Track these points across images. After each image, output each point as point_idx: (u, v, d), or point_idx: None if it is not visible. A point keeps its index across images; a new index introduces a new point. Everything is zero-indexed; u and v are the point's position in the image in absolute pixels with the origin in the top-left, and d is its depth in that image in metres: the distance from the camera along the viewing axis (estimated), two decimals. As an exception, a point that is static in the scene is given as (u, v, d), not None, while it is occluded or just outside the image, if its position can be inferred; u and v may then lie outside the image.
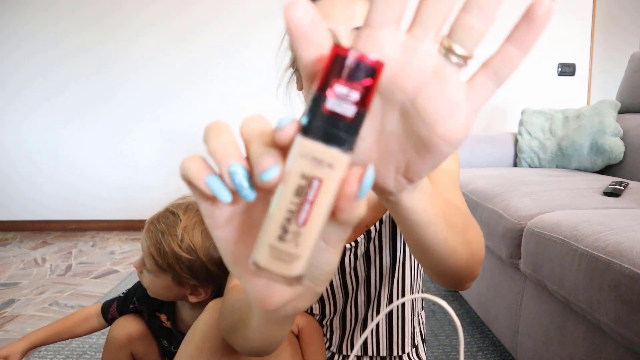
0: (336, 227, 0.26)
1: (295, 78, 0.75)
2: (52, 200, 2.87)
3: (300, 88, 0.74)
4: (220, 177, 0.25)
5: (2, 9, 2.70)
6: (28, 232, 2.85)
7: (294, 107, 0.77)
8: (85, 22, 2.71)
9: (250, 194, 0.24)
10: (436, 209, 0.43)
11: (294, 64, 0.73)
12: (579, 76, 2.75)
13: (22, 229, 2.89)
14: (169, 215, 0.80)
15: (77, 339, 1.41)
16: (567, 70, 2.74)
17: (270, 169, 0.22)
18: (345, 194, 0.23)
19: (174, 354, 0.91)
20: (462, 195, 0.69)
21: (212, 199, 0.26)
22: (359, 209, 0.24)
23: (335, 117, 0.21)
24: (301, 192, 0.22)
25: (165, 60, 2.75)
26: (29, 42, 2.73)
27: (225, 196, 0.25)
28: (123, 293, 0.99)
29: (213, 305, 0.67)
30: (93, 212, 2.89)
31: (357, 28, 0.63)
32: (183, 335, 0.87)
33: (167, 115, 2.81)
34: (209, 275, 0.80)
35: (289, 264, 0.23)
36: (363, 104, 0.21)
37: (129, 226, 2.87)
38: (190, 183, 0.26)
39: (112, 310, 0.98)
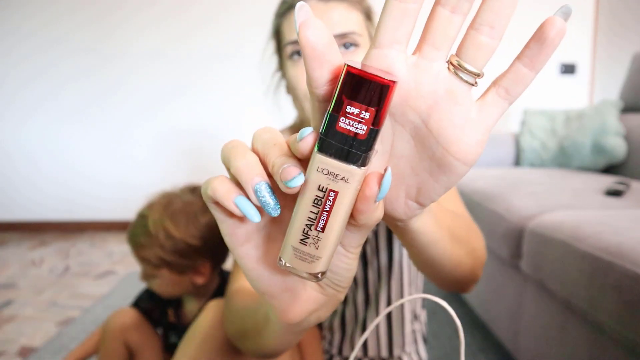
0: (354, 231, 0.27)
1: (284, 82, 0.74)
2: (50, 200, 2.87)
3: (289, 91, 0.73)
4: (247, 196, 0.26)
5: (2, 6, 2.70)
6: (26, 232, 2.85)
7: (282, 110, 0.76)
8: (85, 21, 2.71)
9: (275, 210, 0.25)
10: (442, 226, 0.43)
11: (282, 67, 0.72)
12: (581, 75, 2.74)
13: (20, 229, 2.89)
14: (139, 219, 0.87)
15: (76, 340, 1.40)
16: (569, 69, 2.73)
17: (297, 178, 0.24)
18: (364, 196, 0.24)
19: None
20: (460, 200, 0.68)
21: (241, 219, 0.28)
22: (378, 212, 0.25)
23: (348, 135, 0.22)
24: (319, 203, 0.24)
25: (166, 60, 2.74)
26: (29, 41, 2.73)
27: (254, 215, 0.25)
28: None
29: (214, 306, 0.67)
30: (92, 212, 2.88)
31: (337, 35, 0.62)
32: (186, 326, 0.92)
33: (167, 115, 2.80)
34: (196, 251, 0.84)
35: (310, 263, 0.25)
36: (376, 123, 0.22)
37: (128, 226, 2.87)
38: (217, 204, 0.27)
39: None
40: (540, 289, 0.96)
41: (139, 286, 1.86)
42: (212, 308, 0.66)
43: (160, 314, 0.96)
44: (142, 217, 0.86)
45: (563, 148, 1.78)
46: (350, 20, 0.63)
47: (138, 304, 0.98)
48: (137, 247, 0.85)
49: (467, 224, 0.56)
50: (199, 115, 2.80)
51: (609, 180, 1.38)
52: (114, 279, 2.00)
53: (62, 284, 1.93)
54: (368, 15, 0.68)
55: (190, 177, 2.83)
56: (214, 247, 0.86)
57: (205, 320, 0.64)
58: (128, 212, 2.88)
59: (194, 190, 0.91)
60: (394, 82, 0.22)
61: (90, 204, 2.87)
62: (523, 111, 2.01)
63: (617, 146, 1.61)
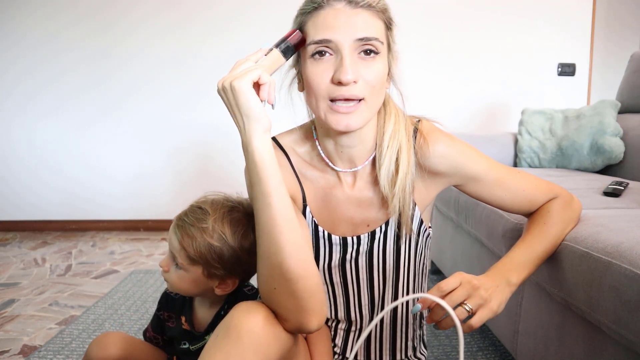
0: None
1: (297, 79, 0.76)
2: (52, 200, 2.87)
3: (301, 89, 0.75)
4: None
5: (15, 10, 2.70)
6: (28, 232, 2.86)
7: (295, 107, 0.78)
8: (98, 27, 2.71)
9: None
10: (540, 252, 0.79)
11: (297, 65, 0.74)
12: (579, 76, 2.75)
13: (22, 229, 2.89)
14: (197, 210, 0.84)
15: (77, 339, 1.41)
16: (567, 70, 2.74)
17: None
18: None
19: (191, 352, 0.92)
20: (518, 173, 0.83)
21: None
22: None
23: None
24: None
25: (180, 66, 2.75)
26: (41, 48, 2.73)
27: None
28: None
29: (255, 311, 0.63)
30: (93, 212, 2.89)
31: (359, 39, 0.64)
32: (198, 333, 0.91)
33: (173, 119, 2.81)
34: (238, 264, 0.83)
35: None
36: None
37: (129, 226, 2.88)
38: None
39: (148, 331, 0.99)
40: (539, 289, 0.96)
41: (139, 286, 1.87)
42: (258, 315, 0.62)
43: (175, 322, 0.95)
44: (202, 210, 0.83)
45: (561, 148, 1.78)
46: (373, 27, 0.66)
47: (154, 320, 0.98)
48: (185, 236, 0.82)
49: (547, 212, 0.82)
50: (204, 120, 2.80)
51: (607, 181, 1.39)
52: (115, 278, 2.00)
53: (64, 283, 1.94)
54: (388, 25, 0.70)
55: (196, 178, 2.84)
56: (252, 265, 0.84)
57: (247, 323, 0.61)
58: (129, 212, 2.88)
59: None
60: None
61: (91, 204, 2.88)
62: (521, 111, 2.01)
63: (616, 146, 1.61)
